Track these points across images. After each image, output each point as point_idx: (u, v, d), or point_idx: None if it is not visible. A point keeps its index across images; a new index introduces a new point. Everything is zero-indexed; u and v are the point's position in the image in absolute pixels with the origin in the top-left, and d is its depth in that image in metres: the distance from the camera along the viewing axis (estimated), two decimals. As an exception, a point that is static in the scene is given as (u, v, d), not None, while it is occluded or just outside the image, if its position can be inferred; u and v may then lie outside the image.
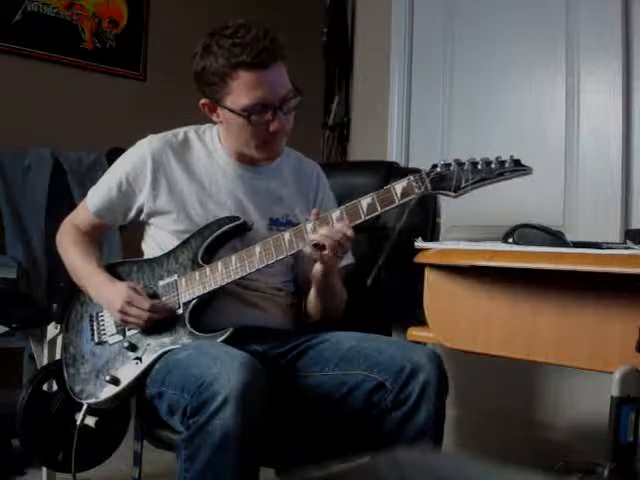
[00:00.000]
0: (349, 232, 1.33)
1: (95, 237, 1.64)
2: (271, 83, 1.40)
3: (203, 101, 1.48)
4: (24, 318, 2.15)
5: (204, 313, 1.46)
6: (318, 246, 1.35)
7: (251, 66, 1.37)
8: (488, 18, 2.35)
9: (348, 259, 1.63)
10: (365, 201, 1.32)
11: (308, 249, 1.36)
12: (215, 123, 1.55)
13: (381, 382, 1.32)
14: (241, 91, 1.40)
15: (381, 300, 1.72)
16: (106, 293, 1.49)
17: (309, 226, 1.37)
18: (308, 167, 1.67)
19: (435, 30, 2.53)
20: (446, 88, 2.48)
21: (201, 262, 1.46)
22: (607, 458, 0.97)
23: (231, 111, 1.43)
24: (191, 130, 1.59)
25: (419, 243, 1.28)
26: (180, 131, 1.58)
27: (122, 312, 1.44)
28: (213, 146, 1.57)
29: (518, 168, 1.22)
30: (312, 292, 1.53)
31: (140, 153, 1.53)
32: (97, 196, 1.57)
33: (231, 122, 1.46)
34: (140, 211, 1.54)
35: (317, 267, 1.44)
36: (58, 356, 1.88)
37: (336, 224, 1.34)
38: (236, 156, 1.55)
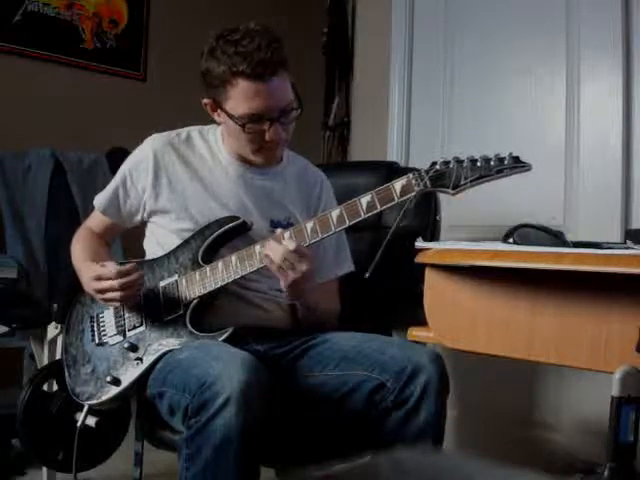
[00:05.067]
0: (291, 247, 1.32)
1: (107, 238, 1.67)
2: (270, 95, 1.39)
3: (205, 100, 1.49)
4: (24, 318, 2.15)
5: (205, 313, 1.46)
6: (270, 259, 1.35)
7: (250, 77, 1.37)
8: (488, 18, 2.35)
9: (346, 267, 1.63)
10: (364, 199, 1.31)
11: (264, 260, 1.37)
12: (217, 123, 1.55)
13: (382, 382, 1.32)
14: (239, 99, 1.40)
15: (381, 300, 1.72)
16: (83, 279, 1.50)
17: (309, 226, 1.37)
18: (312, 175, 1.67)
19: (435, 30, 2.53)
20: (446, 88, 2.48)
21: (201, 262, 1.46)
22: (607, 458, 0.97)
23: (229, 116, 1.44)
24: (195, 130, 1.59)
25: (419, 243, 1.28)
26: (184, 130, 1.59)
27: (96, 290, 1.44)
28: (216, 146, 1.57)
29: (517, 165, 1.21)
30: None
31: (143, 151, 1.55)
32: (103, 195, 1.60)
33: (229, 126, 1.47)
34: (144, 210, 1.55)
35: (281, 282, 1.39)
36: (58, 356, 1.88)
37: (284, 241, 1.34)
38: (238, 157, 1.55)
